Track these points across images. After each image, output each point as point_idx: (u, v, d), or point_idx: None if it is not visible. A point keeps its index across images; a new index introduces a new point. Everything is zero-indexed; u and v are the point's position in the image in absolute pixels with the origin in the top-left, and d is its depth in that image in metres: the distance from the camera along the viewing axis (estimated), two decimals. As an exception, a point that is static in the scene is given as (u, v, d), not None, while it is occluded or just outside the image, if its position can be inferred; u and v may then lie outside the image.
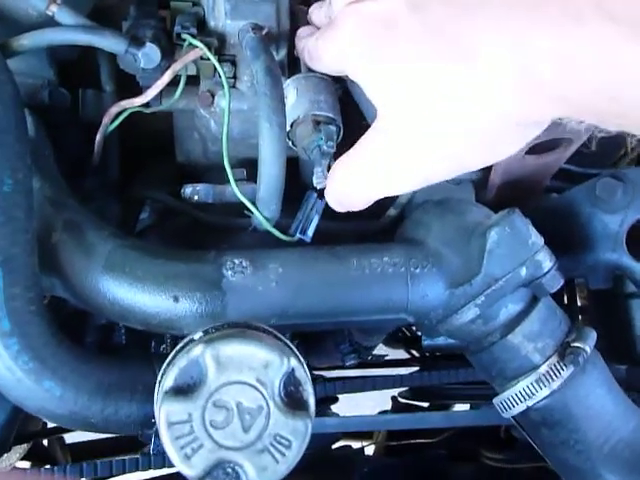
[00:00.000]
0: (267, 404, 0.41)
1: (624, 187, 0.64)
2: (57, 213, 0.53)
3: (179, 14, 0.60)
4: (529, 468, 1.00)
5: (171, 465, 0.44)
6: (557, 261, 0.54)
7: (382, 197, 0.52)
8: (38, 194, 0.52)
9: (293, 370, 0.42)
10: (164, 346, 0.64)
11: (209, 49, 0.58)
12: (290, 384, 0.42)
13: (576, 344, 0.54)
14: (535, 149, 0.59)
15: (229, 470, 0.41)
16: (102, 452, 1.07)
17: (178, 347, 0.44)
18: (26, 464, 1.04)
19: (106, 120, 0.61)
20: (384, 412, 1.08)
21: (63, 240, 0.52)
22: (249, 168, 0.61)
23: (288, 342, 0.44)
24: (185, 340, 0.44)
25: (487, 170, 0.65)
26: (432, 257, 0.55)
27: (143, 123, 0.65)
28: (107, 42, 0.55)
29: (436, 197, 0.62)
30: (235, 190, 0.58)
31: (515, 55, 0.38)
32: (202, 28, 0.60)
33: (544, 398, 0.54)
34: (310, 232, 0.60)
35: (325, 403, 0.86)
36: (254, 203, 0.57)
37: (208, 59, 0.58)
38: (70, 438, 1.12)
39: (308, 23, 0.60)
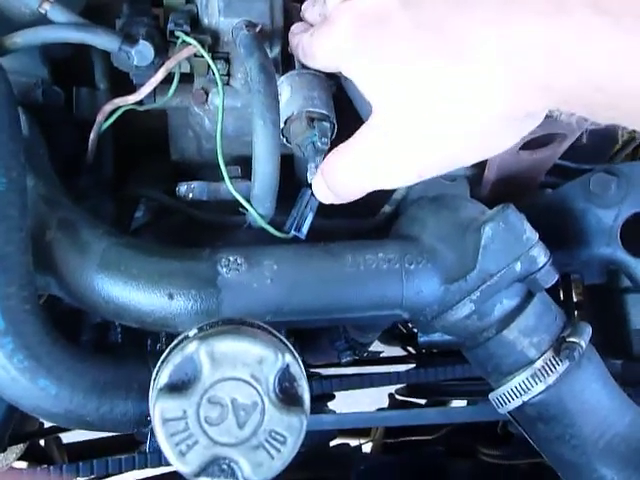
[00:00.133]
0: (262, 400, 0.41)
1: (618, 182, 0.64)
2: (51, 211, 0.53)
3: (172, 11, 0.60)
4: (525, 464, 1.00)
5: (167, 464, 0.44)
6: (552, 256, 0.54)
7: (375, 189, 0.51)
8: (32, 192, 0.52)
9: (288, 366, 0.42)
10: (160, 344, 0.64)
11: (203, 46, 0.57)
12: (285, 380, 0.42)
13: (571, 339, 0.54)
14: (529, 145, 0.59)
15: (224, 466, 0.41)
16: (99, 452, 1.07)
17: (172, 344, 0.44)
18: (23, 464, 1.04)
19: (100, 118, 0.61)
20: (381, 409, 1.08)
21: (57, 238, 0.52)
22: (243, 165, 0.61)
23: (283, 338, 0.44)
24: (180, 337, 0.44)
25: (482, 166, 0.65)
26: (427, 253, 0.55)
27: (137, 121, 0.65)
28: (100, 40, 0.55)
29: (431, 193, 0.62)
30: (230, 187, 0.58)
31: (502, 46, 0.39)
32: (195, 25, 0.60)
33: (540, 393, 0.55)
34: (305, 229, 0.60)
35: (322, 400, 0.86)
36: (249, 200, 0.57)
37: (202, 56, 0.58)
38: (67, 438, 1.12)
39: (301, 20, 0.60)
